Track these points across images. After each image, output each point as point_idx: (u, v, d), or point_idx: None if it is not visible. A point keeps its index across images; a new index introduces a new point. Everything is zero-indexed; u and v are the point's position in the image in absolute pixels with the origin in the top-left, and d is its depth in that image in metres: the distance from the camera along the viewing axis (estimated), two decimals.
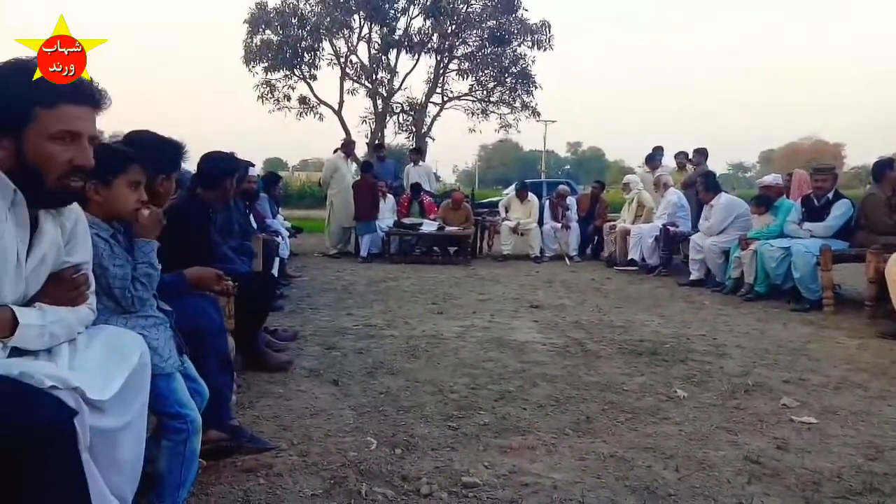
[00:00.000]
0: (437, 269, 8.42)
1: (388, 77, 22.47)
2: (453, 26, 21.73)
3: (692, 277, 7.28)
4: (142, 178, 1.95)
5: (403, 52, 22.21)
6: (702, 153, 9.44)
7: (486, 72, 22.27)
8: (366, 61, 22.34)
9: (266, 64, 21.61)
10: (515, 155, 73.00)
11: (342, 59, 22.20)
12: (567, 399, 3.20)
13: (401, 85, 22.68)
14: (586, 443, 2.65)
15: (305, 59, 21.78)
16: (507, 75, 22.08)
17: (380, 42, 21.96)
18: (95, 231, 1.79)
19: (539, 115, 22.87)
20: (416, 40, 21.93)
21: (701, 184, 7.54)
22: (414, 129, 22.58)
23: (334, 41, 22.02)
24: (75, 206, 1.66)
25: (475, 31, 21.99)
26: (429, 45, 22.07)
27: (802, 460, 2.51)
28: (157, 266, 1.96)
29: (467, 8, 21.69)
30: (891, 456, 2.56)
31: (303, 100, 22.49)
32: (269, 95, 22.19)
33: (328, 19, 21.30)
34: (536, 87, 22.23)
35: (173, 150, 2.35)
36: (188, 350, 2.06)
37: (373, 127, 22.53)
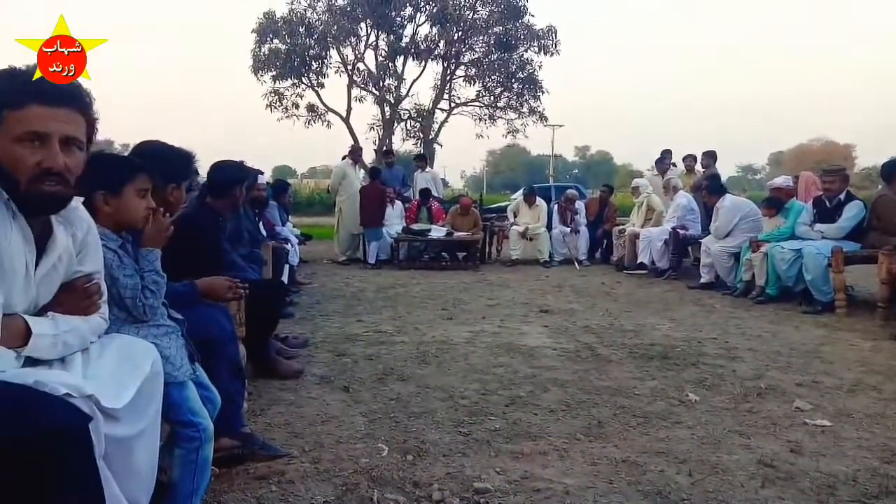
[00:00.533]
0: (446, 275, 8.43)
1: (396, 84, 22.58)
2: (460, 33, 21.81)
3: (702, 280, 7.24)
4: (149, 186, 1.97)
5: (410, 58, 22.33)
6: (710, 156, 9.40)
7: (492, 77, 22.34)
8: (373, 69, 22.47)
9: (274, 72, 21.78)
10: (523, 160, 72.97)
11: (349, 67, 22.34)
12: (578, 404, 3.19)
13: (408, 92, 22.81)
14: (598, 448, 2.64)
15: (313, 67, 21.93)
16: (514, 81, 22.13)
17: (387, 49, 22.08)
18: (104, 242, 1.81)
19: (546, 119, 22.93)
20: (422, 47, 22.04)
21: (705, 187, 7.52)
22: (422, 136, 22.66)
23: (341, 49, 22.17)
24: (85, 215, 1.66)
25: (482, 38, 22.07)
26: (435, 52, 22.17)
27: (817, 464, 2.49)
28: (164, 275, 1.98)
29: (473, 14, 21.78)
30: None
31: (311, 108, 22.64)
32: (278, 104, 22.36)
33: (335, 27, 21.45)
34: (543, 92, 22.29)
35: (183, 159, 2.37)
36: (200, 358, 2.07)
37: (380, 134, 22.64)
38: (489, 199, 23.29)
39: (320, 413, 3.05)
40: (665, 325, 5.19)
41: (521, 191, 13.41)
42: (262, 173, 6.12)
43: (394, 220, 9.83)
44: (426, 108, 22.73)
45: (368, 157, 19.25)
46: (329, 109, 22.71)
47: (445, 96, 22.86)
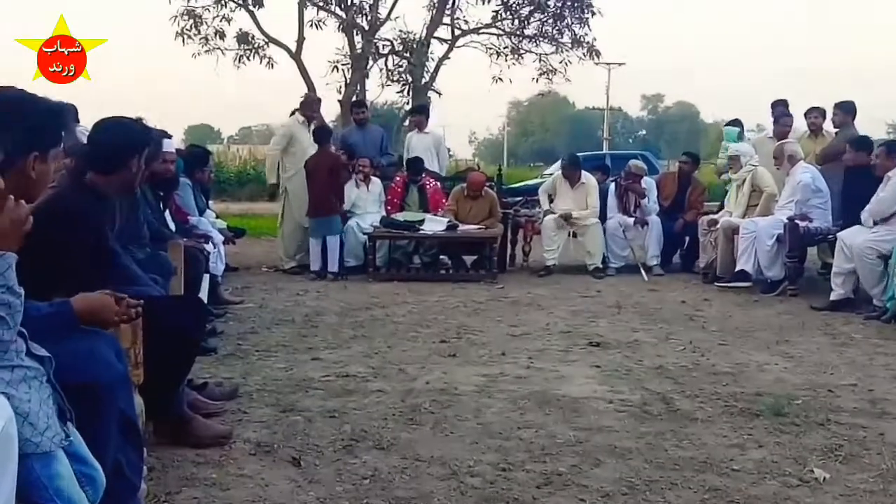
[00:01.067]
0: (446, 290, 8.42)
1: (371, 2, 22.55)
2: None
3: (834, 297, 7.23)
4: None
5: None
6: (847, 110, 9.38)
7: None
8: None
9: None
10: (564, 115, 73.12)
11: None
12: (647, 485, 3.18)
13: (389, 13, 22.73)
14: None
15: None
16: None
17: None
18: None
19: (599, 55, 22.80)
20: None
21: (882, 149, 7.22)
22: (411, 80, 22.59)
23: None
24: None
25: None
26: None
27: None
28: (19, 291, 1.97)
29: None
30: None
31: (243, 37, 22.57)
32: (193, 31, 22.31)
33: None
34: (594, 14, 22.21)
35: (51, 115, 2.36)
36: (75, 416, 2.07)
37: (348, 77, 22.57)
38: (512, 176, 23.28)
39: (257, 499, 3.03)
40: (778, 366, 5.18)
41: (558, 162, 13.36)
42: (168, 137, 6.12)
43: (368, 205, 9.82)
44: (417, 37, 22.68)
45: (330, 112, 19.16)
46: (271, 40, 22.65)
47: (446, 20, 22.80)
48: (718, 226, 8.97)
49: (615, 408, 4.23)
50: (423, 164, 10.10)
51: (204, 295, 5.89)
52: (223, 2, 22.48)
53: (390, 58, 23.11)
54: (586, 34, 22.50)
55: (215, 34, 22.59)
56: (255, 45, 22.94)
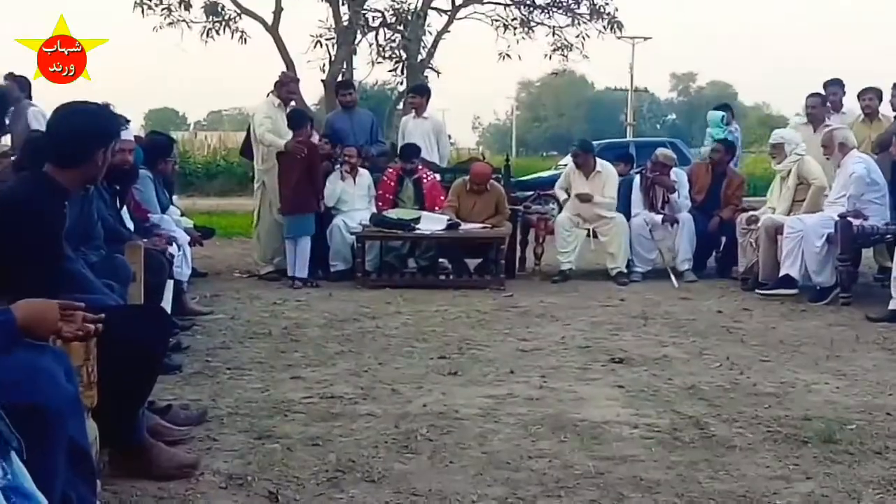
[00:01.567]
0: (447, 298, 8.44)
1: None
2: None
3: (893, 306, 7.23)
4: None
5: None
6: None
7: None
8: None
9: None
10: (581, 97, 73.17)
11: None
12: None
13: None
14: None
15: None
16: None
17: None
18: None
19: (622, 28, 22.84)
20: None
21: None
22: (405, 56, 22.62)
23: None
24: None
25: None
26: None
27: None
28: None
29: None
30: None
31: (212, 8, 22.60)
32: (155, 1, 22.33)
33: None
34: None
35: None
36: (20, 444, 2.06)
37: (333, 53, 22.60)
38: (522, 166, 23.27)
39: None
40: (829, 385, 5.18)
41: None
42: (127, 123, 6.12)
43: (354, 201, 9.82)
44: (412, 8, 22.71)
45: (312, 94, 19.11)
46: (244, 11, 22.67)
47: None
48: (759, 224, 8.96)
49: (641, 434, 4.23)
50: (418, 151, 10.07)
51: (167, 304, 5.89)
52: None
53: (381, 31, 23.07)
54: (607, 3, 22.47)
55: (179, 3, 22.54)
56: (226, 17, 22.91)
